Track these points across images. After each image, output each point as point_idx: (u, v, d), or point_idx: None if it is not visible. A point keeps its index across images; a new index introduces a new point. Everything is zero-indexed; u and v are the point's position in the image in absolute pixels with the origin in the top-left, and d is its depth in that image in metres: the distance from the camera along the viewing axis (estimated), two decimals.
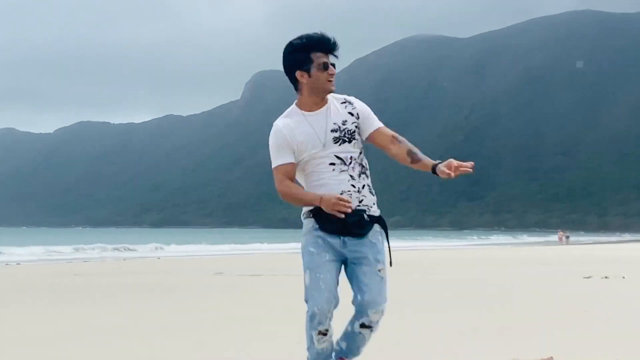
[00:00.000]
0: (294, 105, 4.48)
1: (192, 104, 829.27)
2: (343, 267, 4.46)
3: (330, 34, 4.41)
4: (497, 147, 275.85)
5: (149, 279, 16.80)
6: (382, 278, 4.39)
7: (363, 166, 4.44)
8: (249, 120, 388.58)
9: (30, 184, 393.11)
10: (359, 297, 4.36)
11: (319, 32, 4.40)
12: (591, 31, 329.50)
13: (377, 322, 4.40)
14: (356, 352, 4.54)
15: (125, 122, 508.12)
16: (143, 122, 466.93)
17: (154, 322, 8.75)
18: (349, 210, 4.23)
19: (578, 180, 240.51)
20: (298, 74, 4.38)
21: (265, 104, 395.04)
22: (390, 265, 4.47)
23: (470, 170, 4.27)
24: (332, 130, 4.38)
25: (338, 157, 4.36)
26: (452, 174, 4.25)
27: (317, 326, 4.36)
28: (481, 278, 16.01)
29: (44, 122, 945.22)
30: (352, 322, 4.46)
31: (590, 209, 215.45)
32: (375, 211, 4.45)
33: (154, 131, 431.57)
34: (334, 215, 4.27)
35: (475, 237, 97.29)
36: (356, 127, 4.43)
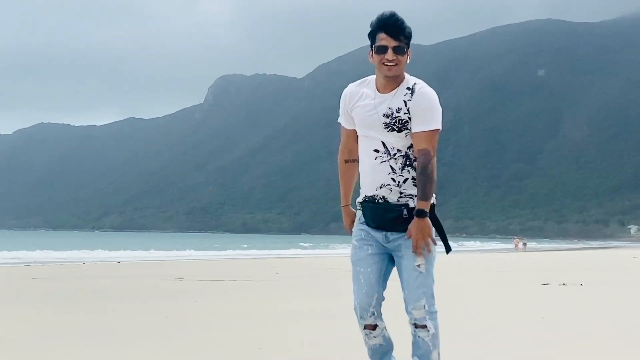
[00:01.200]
0: (372, 79, 4.33)
1: (155, 107, 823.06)
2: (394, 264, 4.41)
3: (400, 15, 4.19)
4: (459, 154, 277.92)
5: (107, 284, 16.65)
6: (421, 273, 4.26)
7: (410, 158, 4.25)
8: (212, 125, 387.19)
9: None
10: (403, 293, 4.33)
11: (391, 12, 4.20)
12: (553, 40, 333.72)
13: (425, 319, 4.25)
14: None
15: (86, 124, 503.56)
16: (104, 125, 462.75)
17: (101, 327, 8.67)
18: None
19: (538, 187, 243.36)
20: (369, 52, 4.28)
21: (229, 108, 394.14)
22: (449, 250, 4.43)
23: None
24: (385, 115, 4.22)
25: (384, 145, 4.23)
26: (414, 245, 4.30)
27: (361, 320, 4.34)
28: (439, 284, 16.08)
29: (2, 123, 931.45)
30: (410, 326, 4.36)
31: (550, 216, 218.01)
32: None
33: (115, 134, 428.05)
34: (375, 212, 4.27)
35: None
36: (409, 118, 4.22)
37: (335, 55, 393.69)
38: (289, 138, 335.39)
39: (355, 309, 4.35)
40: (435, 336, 4.29)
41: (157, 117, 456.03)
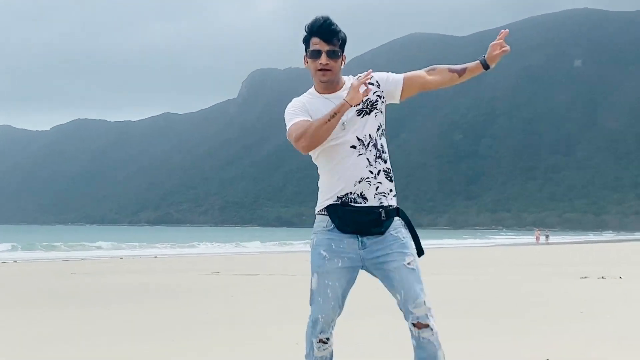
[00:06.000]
0: (312, 88, 4.24)
1: (189, 102, 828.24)
2: (372, 273, 4.19)
3: (334, 19, 4.13)
4: (495, 146, 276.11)
5: (145, 279, 16.79)
6: (413, 269, 4.10)
7: (378, 149, 4.16)
8: (246, 119, 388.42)
9: (26, 181, 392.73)
10: (397, 297, 4.09)
11: (324, 17, 4.14)
12: (590, 30, 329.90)
13: (427, 316, 4.04)
14: None
15: (122, 119, 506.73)
16: (140, 120, 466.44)
17: (141, 323, 8.73)
18: (368, 87, 4.04)
19: (576, 179, 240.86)
20: (304, 57, 4.20)
21: (263, 102, 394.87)
22: (421, 254, 4.19)
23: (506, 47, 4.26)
24: None
25: (358, 139, 4.10)
26: (505, 48, 4.27)
27: (319, 334, 4.17)
28: (475, 280, 15.99)
29: (40, 119, 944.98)
30: (410, 331, 4.13)
31: (587, 208, 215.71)
32: (391, 200, 4.17)
33: (150, 129, 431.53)
34: (350, 216, 4.07)
35: (481, 237, 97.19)
36: (378, 96, 4.18)
37: (369, 47, 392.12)
38: None
39: (316, 322, 4.17)
40: (438, 334, 4.10)
41: (192, 112, 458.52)
